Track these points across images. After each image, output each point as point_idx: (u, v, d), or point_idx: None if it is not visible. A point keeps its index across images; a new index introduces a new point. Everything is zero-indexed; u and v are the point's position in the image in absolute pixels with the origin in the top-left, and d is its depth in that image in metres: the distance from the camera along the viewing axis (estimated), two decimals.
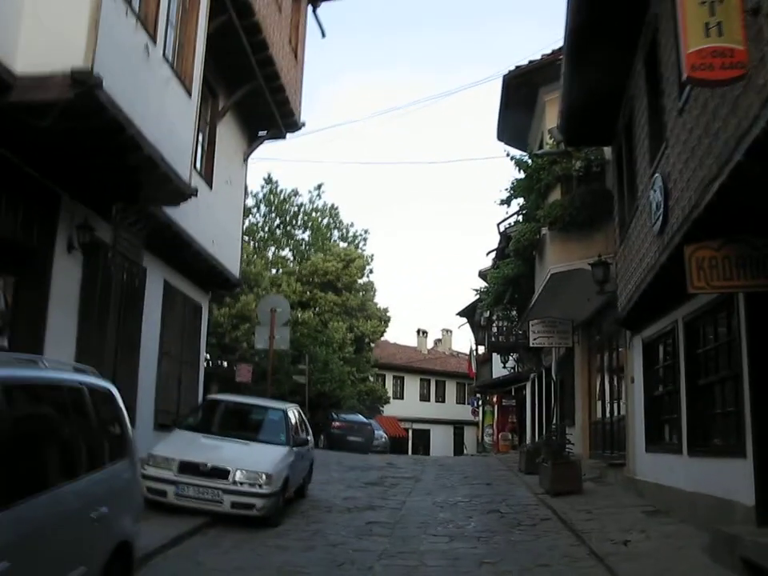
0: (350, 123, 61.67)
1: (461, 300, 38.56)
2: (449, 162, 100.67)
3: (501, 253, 24.08)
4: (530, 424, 30.72)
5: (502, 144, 20.41)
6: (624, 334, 14.58)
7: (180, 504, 10.38)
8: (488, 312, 27.65)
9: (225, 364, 37.18)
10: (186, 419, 12.24)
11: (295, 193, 49.80)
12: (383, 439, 36.33)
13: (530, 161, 16.92)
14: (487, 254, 24.94)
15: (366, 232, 50.27)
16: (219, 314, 32.62)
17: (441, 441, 54.26)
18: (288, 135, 18.05)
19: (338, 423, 30.85)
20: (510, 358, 30.66)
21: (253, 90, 15.29)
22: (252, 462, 10.79)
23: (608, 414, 17.15)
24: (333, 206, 50.30)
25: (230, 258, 16.08)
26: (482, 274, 28.27)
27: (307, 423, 14.28)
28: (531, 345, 20.36)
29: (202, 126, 14.65)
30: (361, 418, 33.03)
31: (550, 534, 10.67)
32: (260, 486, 10.47)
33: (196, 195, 10.95)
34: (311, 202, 50.41)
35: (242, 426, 12.52)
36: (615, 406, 16.43)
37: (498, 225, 24.15)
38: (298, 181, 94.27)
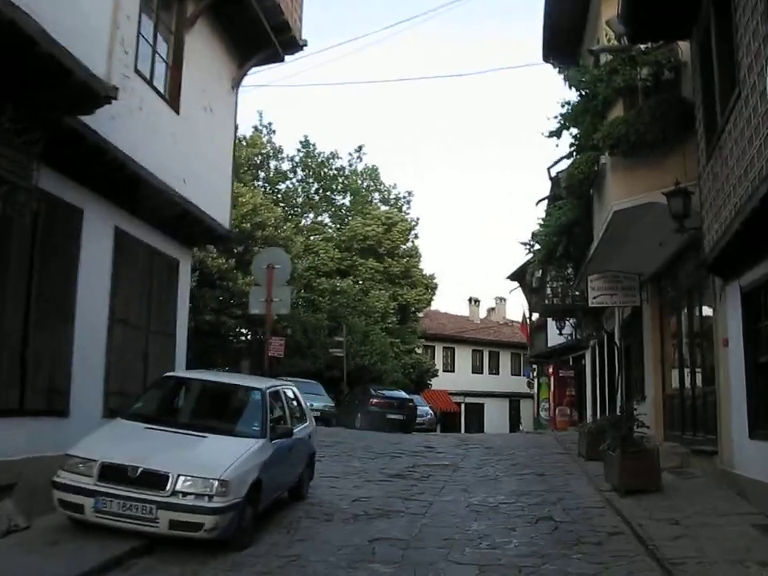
0: (361, 38, 56.95)
1: (515, 262, 35.27)
2: (481, 74, 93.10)
3: (552, 201, 20.70)
4: (590, 398, 27.33)
5: (549, 67, 17.01)
6: (712, 282, 11.24)
7: (100, 522, 7.47)
8: (540, 271, 24.26)
9: (255, 336, 34.48)
10: (133, 404, 9.26)
11: (334, 155, 46.85)
12: (428, 416, 33.33)
13: (582, 75, 13.50)
14: (537, 202, 21.50)
15: (409, 194, 47.16)
16: (243, 283, 29.76)
17: (495, 415, 51.09)
18: (287, 58, 14.92)
19: (375, 400, 27.79)
20: (567, 323, 27.23)
21: None
22: (202, 463, 7.80)
23: (688, 386, 13.81)
24: (374, 167, 47.19)
25: (214, 204, 13.08)
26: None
27: (305, 406, 11.24)
28: (591, 305, 16.99)
29: (163, 33, 11.63)
30: (402, 393, 29.96)
31: (623, 562, 7.48)
32: (210, 497, 7.48)
33: (115, 98, 7.88)
34: (350, 164, 47.48)
35: (204, 412, 9.54)
36: (698, 375, 13.08)
37: (549, 169, 20.72)
38: (313, 114, 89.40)
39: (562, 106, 14.56)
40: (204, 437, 8.46)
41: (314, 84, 70.19)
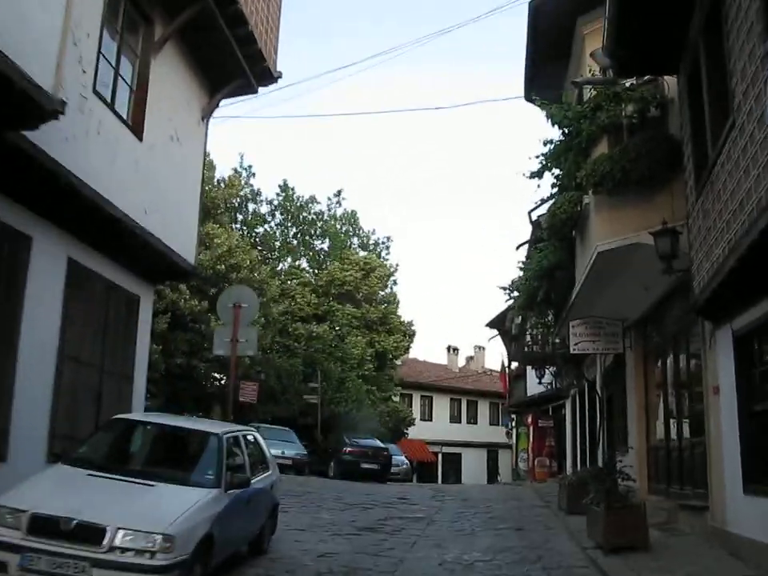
0: (339, 70, 56.90)
1: (495, 310, 34.63)
2: (461, 107, 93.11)
3: (533, 245, 20.20)
4: (570, 449, 26.61)
5: (531, 106, 16.61)
6: (701, 327, 10.67)
7: None
8: (519, 318, 23.70)
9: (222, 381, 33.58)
10: (79, 449, 8.46)
11: (312, 200, 46.40)
12: (404, 465, 32.41)
13: (565, 111, 13.04)
14: (518, 247, 21.01)
15: (388, 239, 46.89)
16: (216, 325, 28.95)
17: (473, 466, 50.11)
18: (261, 90, 14.43)
19: (349, 448, 26.93)
20: (547, 371, 26.61)
21: (204, 16, 11.68)
22: (145, 515, 7.00)
23: (674, 437, 13.15)
24: (353, 212, 46.77)
25: (179, 238, 12.43)
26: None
27: (267, 454, 10.45)
28: (572, 352, 16.37)
29: (128, 56, 11.08)
30: (376, 442, 29.11)
31: None
32: (152, 553, 6.67)
33: (62, 112, 7.26)
34: (329, 209, 47.04)
35: (155, 458, 8.74)
36: (685, 425, 12.45)
37: (530, 212, 20.29)
38: (290, 150, 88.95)
39: (544, 145, 14.14)
40: (152, 486, 7.66)
41: (289, 116, 69.42)
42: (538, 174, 14.89)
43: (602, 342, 15.89)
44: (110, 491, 7.45)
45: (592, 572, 9.16)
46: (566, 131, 13.39)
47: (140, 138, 11.06)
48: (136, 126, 11.01)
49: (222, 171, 39.30)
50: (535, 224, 20.13)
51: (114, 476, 7.75)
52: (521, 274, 19.24)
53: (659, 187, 11.15)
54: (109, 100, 10.22)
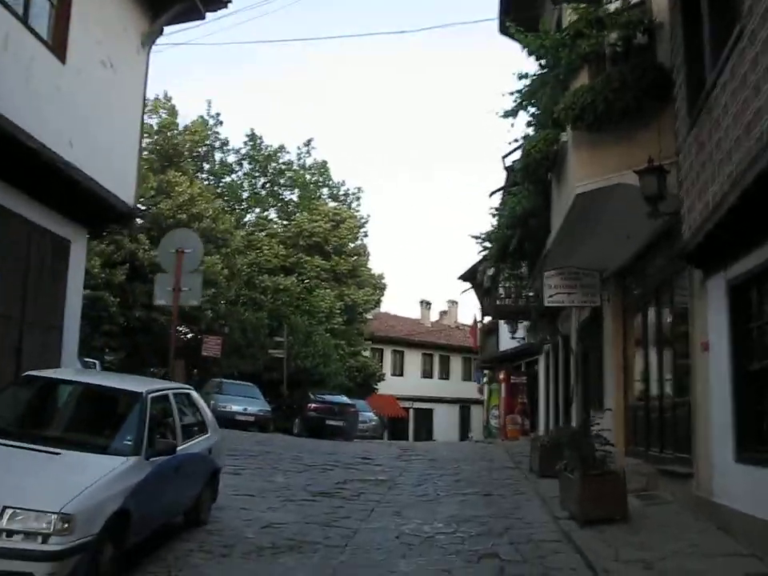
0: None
1: (468, 263, 33.52)
2: (426, 30, 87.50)
3: (507, 193, 19.10)
4: (543, 406, 25.79)
5: (505, 40, 15.37)
6: (689, 276, 9.64)
7: None
8: (492, 270, 22.65)
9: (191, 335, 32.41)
10: None
11: (281, 149, 44.85)
12: (372, 422, 31.54)
13: (543, 40, 11.83)
14: (491, 194, 19.86)
15: (359, 190, 45.47)
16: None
17: (445, 422, 49.51)
18: (209, 15, 13.06)
19: (314, 405, 25.95)
20: (520, 325, 25.72)
21: None
22: (41, 490, 5.91)
23: (654, 396, 12.22)
24: (323, 162, 45.29)
25: (116, 177, 11.20)
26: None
27: (206, 414, 9.33)
28: (546, 304, 15.35)
29: None
30: (343, 398, 28.18)
31: None
32: (45, 536, 5.60)
33: None
34: (299, 158, 45.55)
35: (66, 422, 7.65)
36: (668, 384, 11.49)
37: (503, 158, 19.15)
38: (258, 96, 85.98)
39: (519, 79, 12.94)
40: (57, 454, 6.56)
41: (245, 42, 66.40)
42: (512, 113, 13.72)
43: (578, 295, 14.90)
44: (4, 461, 6.34)
45: (565, 548, 8.19)
46: (543, 63, 12.22)
47: (62, 60, 9.77)
48: (57, 46, 9.72)
49: (186, 118, 37.64)
50: (509, 170, 19.03)
51: (14, 443, 6.64)
52: (494, 222, 18.16)
53: (645, 121, 10.02)
54: (20, 13, 8.87)
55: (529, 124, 13.87)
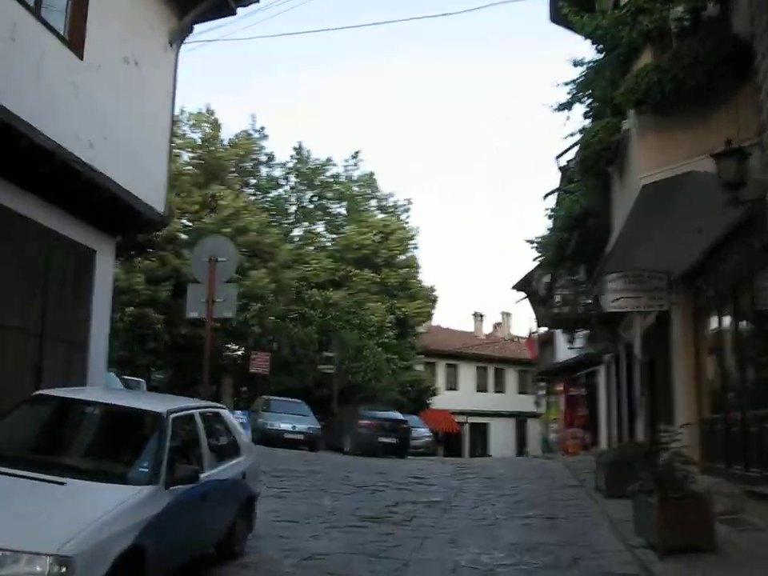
0: None
1: (522, 272, 32.32)
2: (471, 13, 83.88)
3: (562, 193, 18.06)
4: (605, 419, 24.53)
5: (558, 30, 14.41)
6: None
7: None
8: (548, 276, 21.55)
9: (237, 352, 31.84)
10: None
11: (328, 161, 44.29)
12: (426, 438, 30.58)
13: (600, 20, 10.82)
14: (545, 196, 18.82)
15: (408, 201, 44.51)
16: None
17: (501, 436, 48.18)
18: (240, 11, 12.36)
19: (365, 421, 25.01)
20: (578, 335, 24.52)
21: None
22: (37, 527, 5.11)
23: (734, 407, 11.07)
24: (371, 174, 44.61)
25: (140, 179, 10.46)
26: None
27: (238, 436, 8.48)
28: (609, 310, 14.28)
29: None
30: (395, 414, 27.22)
31: None
32: None
33: None
34: (346, 171, 44.96)
35: (76, 447, 6.83)
36: (751, 394, 10.34)
37: (557, 158, 18.15)
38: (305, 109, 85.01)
39: (575, 66, 11.95)
40: (61, 483, 5.76)
41: (287, 34, 65.42)
42: (566, 106, 12.76)
43: (643, 299, 13.78)
44: (3, 492, 5.56)
45: None
46: (601, 47, 11.24)
47: (79, 56, 9.08)
48: (73, 41, 9.02)
49: (230, 131, 37.29)
50: (564, 169, 18.03)
51: (14, 471, 5.85)
52: (549, 226, 17.13)
53: (720, 99, 8.94)
54: (31, 3, 8.19)
55: (586, 115, 12.87)
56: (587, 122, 13.12)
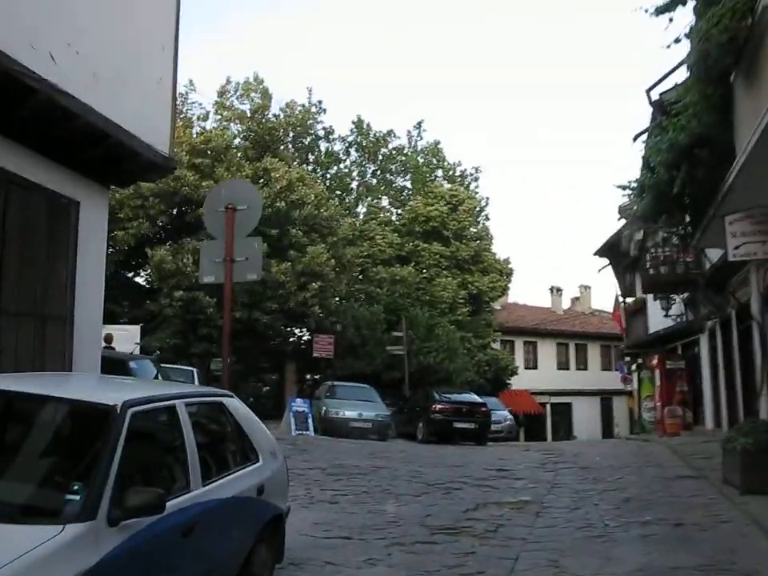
0: None
1: (603, 239, 29.37)
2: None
3: (655, 134, 15.26)
4: (710, 395, 21.63)
5: None
6: None
7: None
8: (640, 232, 18.76)
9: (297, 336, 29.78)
10: None
11: (390, 134, 41.89)
12: (507, 422, 28.11)
13: None
14: (635, 137, 16.05)
15: (476, 170, 41.76)
16: (278, 271, 25.01)
17: (585, 416, 45.23)
18: None
19: (439, 406, 22.60)
20: (676, 300, 21.64)
21: None
22: None
23: None
24: (436, 142, 42.07)
25: (135, 114, 8.21)
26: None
27: (256, 434, 6.13)
28: (731, 258, 11.47)
29: None
30: (472, 396, 24.78)
31: None
32: None
33: None
34: (410, 142, 42.50)
35: None
36: None
37: (648, 91, 15.44)
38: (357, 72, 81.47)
39: None
40: None
41: None
42: (668, 7, 10.10)
43: None
44: None
45: None
46: None
47: None
48: None
49: (281, 101, 34.93)
50: (657, 105, 15.29)
51: None
52: (644, 162, 14.39)
53: None
54: None
55: (697, 12, 10.15)
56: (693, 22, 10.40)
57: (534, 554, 7.55)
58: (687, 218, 14.64)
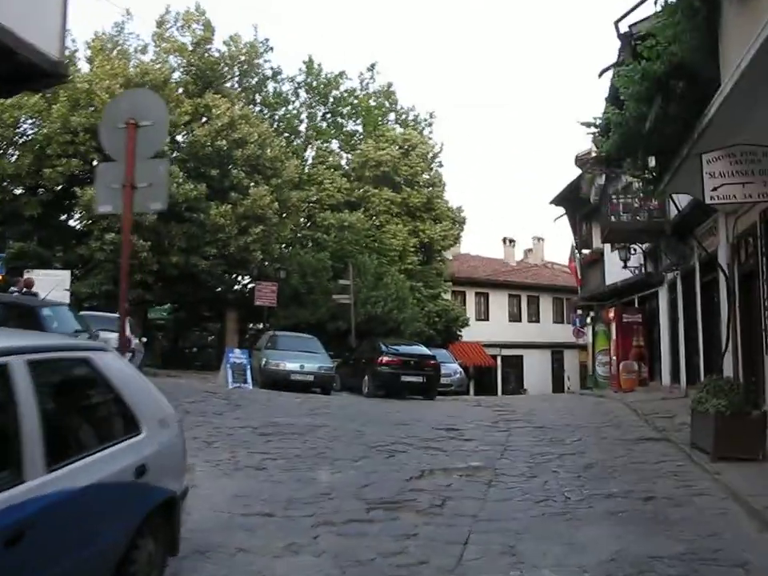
0: None
1: (558, 187, 28.26)
2: None
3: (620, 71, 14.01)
4: (667, 350, 20.80)
5: None
6: None
7: None
8: (602, 177, 17.63)
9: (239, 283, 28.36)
10: None
11: (342, 75, 40.06)
12: (457, 375, 27.09)
13: None
14: (601, 73, 14.79)
15: (430, 115, 40.25)
16: (217, 213, 23.50)
17: (536, 369, 44.63)
18: None
19: (386, 358, 21.41)
20: (636, 250, 20.65)
21: None
22: None
23: None
24: (388, 85, 40.38)
25: (23, 12, 6.68)
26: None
27: (135, 399, 4.82)
28: (708, 201, 10.29)
29: None
30: (421, 348, 23.67)
31: None
32: None
33: None
34: (362, 84, 40.75)
35: None
36: None
37: (617, 23, 14.18)
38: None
39: None
40: None
41: None
42: None
43: (756, 184, 9.90)
44: None
45: None
46: None
47: None
48: None
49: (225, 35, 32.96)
50: (625, 38, 14.07)
51: None
52: (611, 104, 13.17)
53: None
54: None
55: None
56: None
57: (486, 536, 6.45)
58: (653, 162, 13.48)
